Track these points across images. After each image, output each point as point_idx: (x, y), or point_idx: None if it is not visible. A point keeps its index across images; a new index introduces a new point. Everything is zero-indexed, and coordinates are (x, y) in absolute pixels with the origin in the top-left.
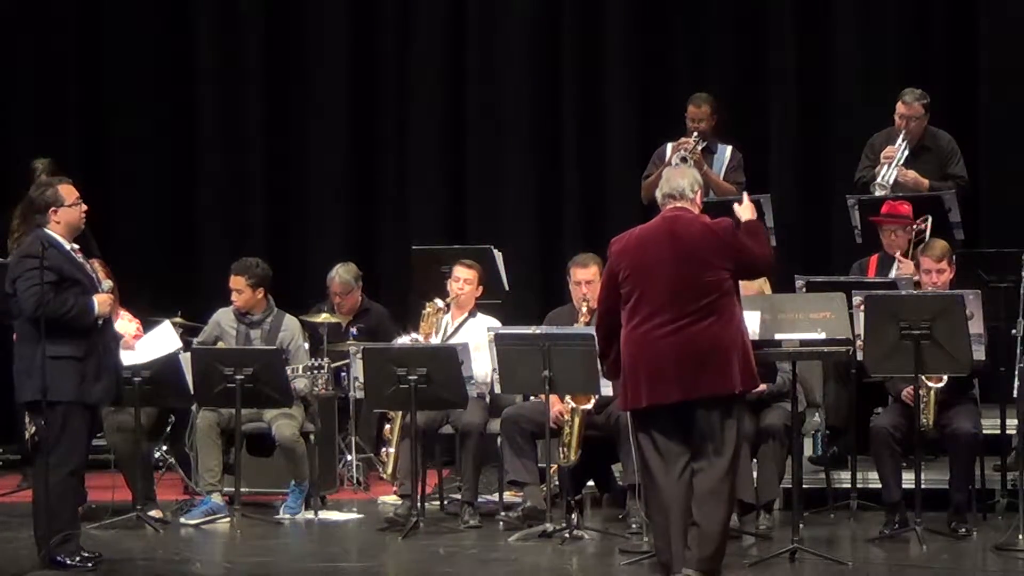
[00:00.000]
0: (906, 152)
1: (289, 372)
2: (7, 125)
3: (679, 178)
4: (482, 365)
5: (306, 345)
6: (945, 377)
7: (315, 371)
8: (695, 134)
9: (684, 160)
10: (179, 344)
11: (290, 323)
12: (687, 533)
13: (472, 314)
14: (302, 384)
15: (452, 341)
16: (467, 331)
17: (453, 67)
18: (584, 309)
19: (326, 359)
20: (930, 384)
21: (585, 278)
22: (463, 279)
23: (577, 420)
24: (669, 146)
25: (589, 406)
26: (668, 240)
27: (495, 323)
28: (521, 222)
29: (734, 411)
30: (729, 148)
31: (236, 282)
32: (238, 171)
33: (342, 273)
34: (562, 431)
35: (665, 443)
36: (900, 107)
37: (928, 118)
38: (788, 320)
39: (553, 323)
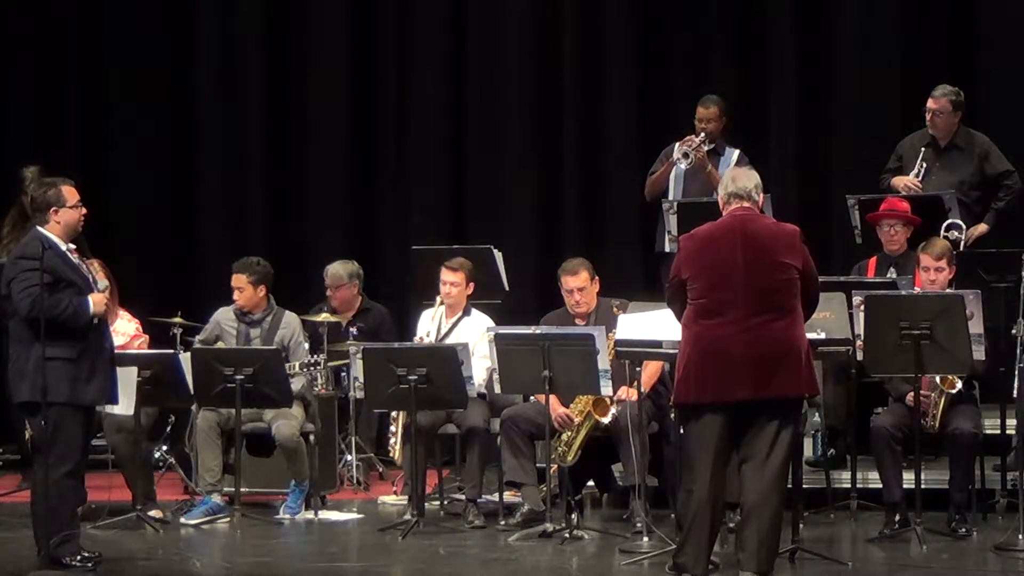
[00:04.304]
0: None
1: (287, 370)
2: (6, 126)
3: (745, 179)
4: (478, 364)
5: (306, 344)
6: (959, 384)
7: (311, 368)
8: (702, 134)
9: (686, 156)
10: (130, 411)
11: (289, 319)
12: (714, 536)
13: (467, 312)
14: (299, 385)
15: (448, 341)
16: (462, 330)
17: (453, 67)
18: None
19: (322, 355)
20: (943, 388)
21: (576, 285)
22: (450, 282)
23: (587, 426)
24: (676, 144)
25: (606, 420)
26: (741, 239)
27: (488, 321)
28: (521, 222)
29: (795, 414)
30: (736, 152)
31: (238, 280)
32: (238, 171)
33: (336, 267)
34: (562, 433)
35: (717, 441)
36: (928, 102)
37: (960, 115)
38: None
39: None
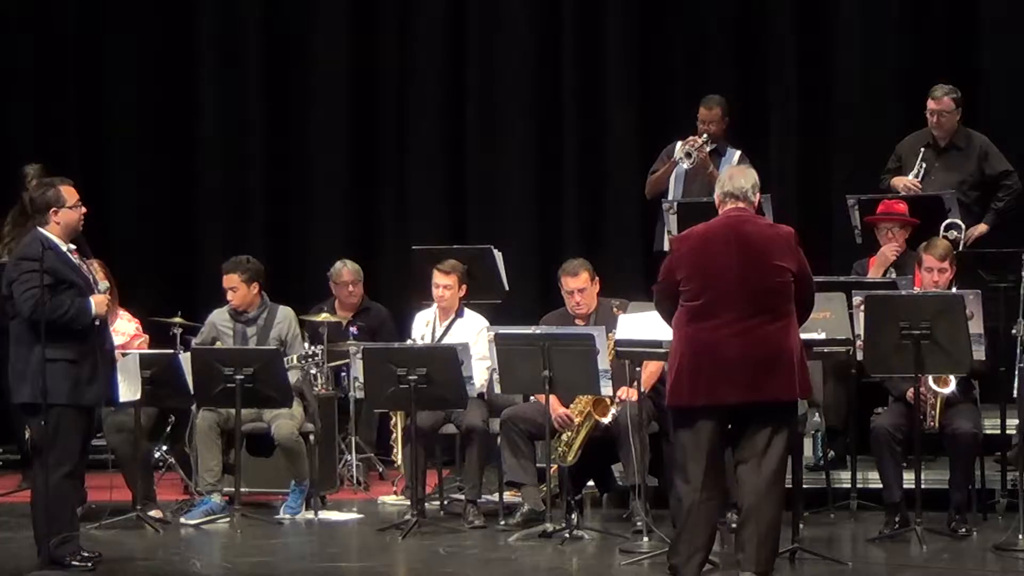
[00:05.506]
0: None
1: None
2: (7, 126)
3: (741, 179)
4: (476, 365)
5: (302, 338)
6: (953, 384)
7: (308, 360)
8: (704, 135)
9: (688, 156)
10: (136, 395)
11: (284, 313)
12: (709, 538)
13: (459, 313)
14: (294, 377)
15: (445, 343)
16: (457, 331)
17: (453, 67)
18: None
19: (320, 347)
20: (937, 389)
21: (577, 286)
22: (442, 285)
23: (587, 426)
24: (679, 143)
25: (607, 420)
26: (735, 241)
27: (482, 320)
28: (521, 222)
29: (789, 417)
30: (738, 153)
31: (230, 280)
32: (238, 171)
33: (351, 264)
34: (562, 433)
35: (709, 444)
36: (929, 103)
37: (960, 113)
38: None
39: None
